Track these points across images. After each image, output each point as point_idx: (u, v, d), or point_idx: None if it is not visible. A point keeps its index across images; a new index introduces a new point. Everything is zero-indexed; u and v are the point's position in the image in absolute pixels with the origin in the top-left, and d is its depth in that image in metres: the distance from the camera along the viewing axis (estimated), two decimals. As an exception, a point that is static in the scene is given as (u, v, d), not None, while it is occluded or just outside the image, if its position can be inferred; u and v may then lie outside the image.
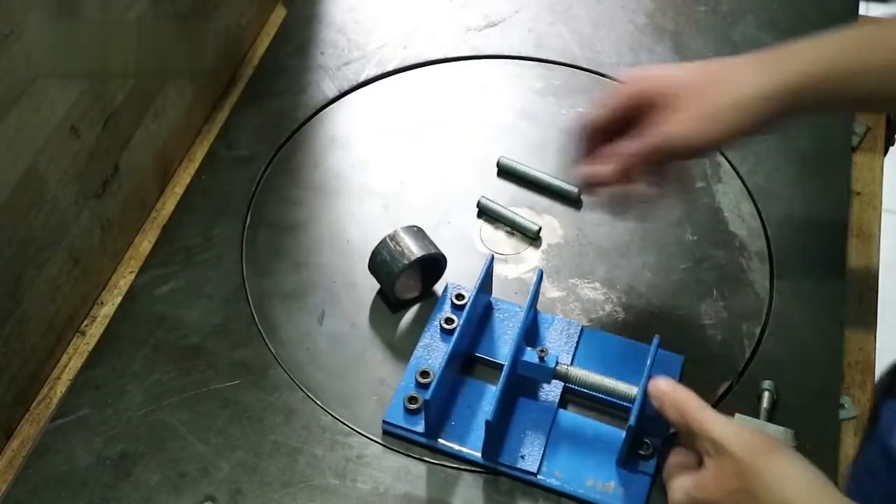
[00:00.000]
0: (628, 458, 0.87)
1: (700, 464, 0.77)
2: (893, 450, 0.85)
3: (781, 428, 0.86)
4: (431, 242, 0.97)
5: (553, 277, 1.02)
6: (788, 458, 0.73)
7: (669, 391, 0.80)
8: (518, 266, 1.03)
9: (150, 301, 0.98)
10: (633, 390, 0.86)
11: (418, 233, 0.96)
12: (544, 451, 0.88)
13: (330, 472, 0.87)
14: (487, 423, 0.84)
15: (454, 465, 0.88)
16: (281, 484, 0.86)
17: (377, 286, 0.99)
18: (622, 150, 0.86)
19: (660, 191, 0.88)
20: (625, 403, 0.87)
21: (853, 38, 0.84)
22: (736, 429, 0.75)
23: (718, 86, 0.83)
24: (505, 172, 1.10)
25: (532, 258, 1.04)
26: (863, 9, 1.33)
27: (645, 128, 0.85)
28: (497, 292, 0.99)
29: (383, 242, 0.95)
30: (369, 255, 0.96)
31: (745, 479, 0.72)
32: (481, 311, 0.96)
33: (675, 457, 0.80)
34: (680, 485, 0.77)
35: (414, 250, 0.95)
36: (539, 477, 0.87)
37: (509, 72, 1.22)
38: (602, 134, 0.88)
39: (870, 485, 0.87)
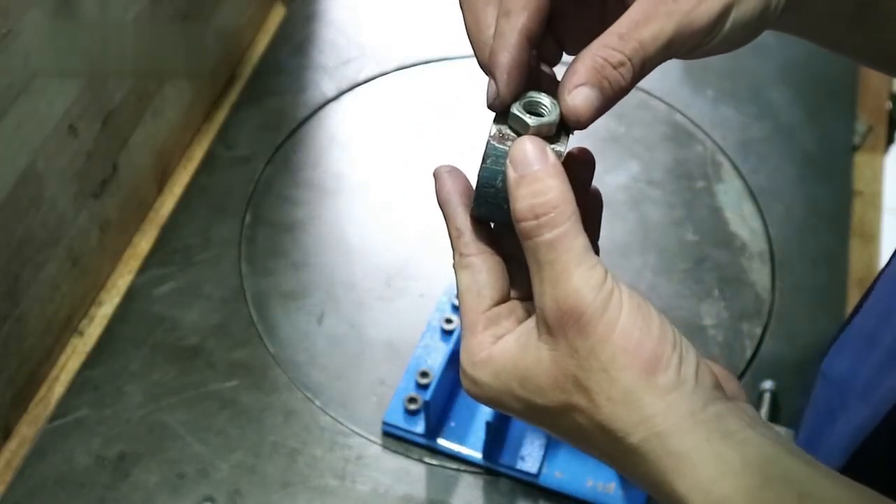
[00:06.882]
0: (629, 459, 0.87)
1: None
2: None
3: (783, 428, 0.86)
4: None
5: (553, 277, 1.01)
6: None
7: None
8: (518, 266, 1.02)
9: (149, 301, 0.98)
10: (633, 391, 0.86)
11: None
12: (545, 452, 0.87)
13: (329, 473, 0.87)
14: (488, 423, 0.84)
15: (454, 466, 0.88)
16: (280, 485, 0.86)
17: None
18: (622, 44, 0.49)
19: None
20: (626, 404, 0.87)
21: None
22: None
23: None
24: (505, 172, 1.10)
25: (532, 258, 1.03)
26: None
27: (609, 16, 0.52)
28: (497, 292, 0.98)
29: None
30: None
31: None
32: (481, 312, 0.96)
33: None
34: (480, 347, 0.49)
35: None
36: (540, 478, 0.86)
37: (509, 71, 1.21)
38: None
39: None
